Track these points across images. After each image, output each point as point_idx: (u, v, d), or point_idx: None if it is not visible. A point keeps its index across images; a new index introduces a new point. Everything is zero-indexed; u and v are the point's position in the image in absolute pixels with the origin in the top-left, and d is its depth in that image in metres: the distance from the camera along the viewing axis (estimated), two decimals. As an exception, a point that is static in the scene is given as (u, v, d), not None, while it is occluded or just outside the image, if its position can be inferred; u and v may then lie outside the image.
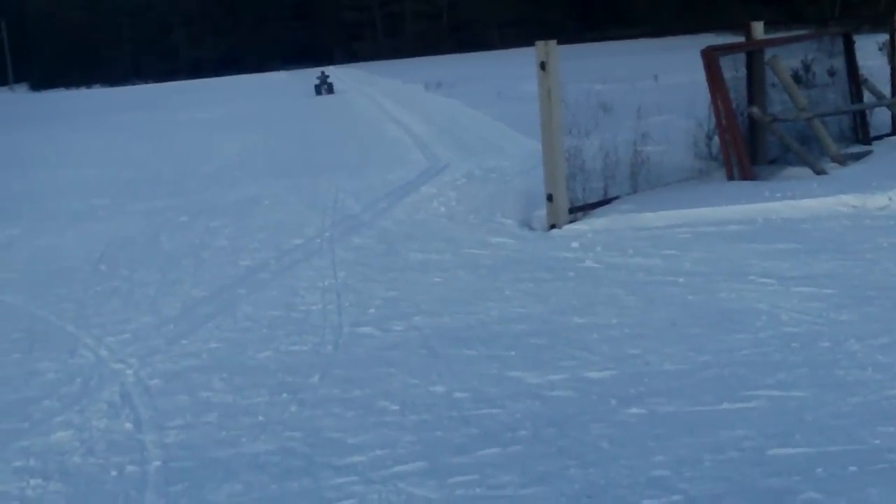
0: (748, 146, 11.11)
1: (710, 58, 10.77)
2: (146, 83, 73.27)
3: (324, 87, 39.24)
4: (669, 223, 9.32)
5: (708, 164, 11.64)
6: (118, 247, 10.88)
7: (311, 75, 43.57)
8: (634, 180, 10.86)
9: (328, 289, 8.18)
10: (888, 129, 13.05)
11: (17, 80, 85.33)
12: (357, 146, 19.16)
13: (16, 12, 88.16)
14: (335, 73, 43.73)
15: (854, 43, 12.92)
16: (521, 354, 6.07)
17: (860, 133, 12.59)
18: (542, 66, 9.59)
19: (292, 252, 9.81)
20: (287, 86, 48.69)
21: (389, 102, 29.43)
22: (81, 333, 7.50)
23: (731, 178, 10.73)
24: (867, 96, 12.75)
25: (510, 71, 28.98)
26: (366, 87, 38.96)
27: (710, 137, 11.73)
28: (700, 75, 10.93)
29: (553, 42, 9.63)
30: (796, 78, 12.36)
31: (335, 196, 12.88)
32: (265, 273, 9.00)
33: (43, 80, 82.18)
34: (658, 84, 22.82)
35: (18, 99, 65.52)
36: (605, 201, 10.24)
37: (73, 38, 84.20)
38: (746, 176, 10.56)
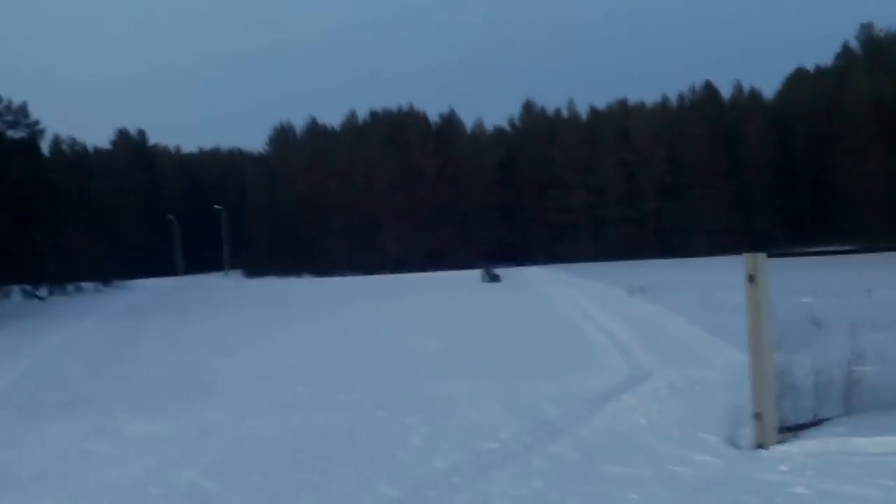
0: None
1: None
2: (353, 275, 75.75)
3: (487, 277, 50.86)
4: (886, 450, 8.71)
5: (929, 387, 10.96)
6: (317, 437, 11.00)
7: (513, 273, 44.11)
8: (848, 401, 10.27)
9: (522, 498, 7.96)
10: None
11: (234, 268, 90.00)
12: (557, 348, 19.07)
13: (236, 205, 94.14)
14: (538, 272, 44.03)
15: None
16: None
17: None
18: (751, 278, 9.33)
19: (487, 456, 9.65)
20: (488, 284, 49.26)
21: (591, 305, 29.32)
22: (272, 527, 7.51)
23: (955, 404, 10.06)
24: None
25: (715, 278, 28.49)
26: (567, 288, 39.05)
27: (930, 360, 11.09)
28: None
29: (762, 255, 9.38)
30: None
31: (532, 399, 12.74)
32: (458, 477, 8.85)
33: (256, 267, 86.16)
34: (871, 299, 21.98)
35: (233, 285, 68.57)
36: (817, 422, 9.71)
37: (287, 230, 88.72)
38: (973, 403, 9.88)
